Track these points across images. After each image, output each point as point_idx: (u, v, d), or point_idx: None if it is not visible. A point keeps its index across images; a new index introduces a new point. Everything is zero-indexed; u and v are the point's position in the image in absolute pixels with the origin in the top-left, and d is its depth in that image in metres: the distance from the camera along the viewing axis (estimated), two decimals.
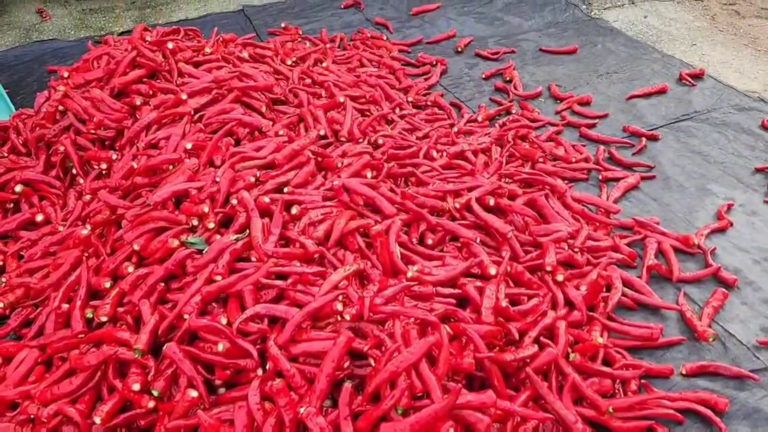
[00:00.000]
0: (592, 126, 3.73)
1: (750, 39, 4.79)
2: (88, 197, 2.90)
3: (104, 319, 2.26)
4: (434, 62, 4.46)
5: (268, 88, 3.33)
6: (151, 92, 3.19)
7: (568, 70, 4.39)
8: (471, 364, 2.00)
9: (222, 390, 2.09)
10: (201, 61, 3.42)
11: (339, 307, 2.06)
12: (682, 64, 4.40)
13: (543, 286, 2.49)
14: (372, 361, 1.98)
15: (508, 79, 4.24)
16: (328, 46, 4.40)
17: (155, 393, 2.01)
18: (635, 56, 4.54)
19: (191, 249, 2.34)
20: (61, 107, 3.23)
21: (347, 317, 2.04)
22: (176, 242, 2.38)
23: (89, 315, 2.37)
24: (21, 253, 2.92)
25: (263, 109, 3.22)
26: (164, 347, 2.04)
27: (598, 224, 2.93)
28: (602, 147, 3.51)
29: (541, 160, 3.28)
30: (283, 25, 4.97)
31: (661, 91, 4.07)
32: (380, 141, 3.10)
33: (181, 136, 2.86)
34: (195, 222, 2.45)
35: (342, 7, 5.42)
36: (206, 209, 2.39)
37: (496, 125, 3.68)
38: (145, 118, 3.04)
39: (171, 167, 2.76)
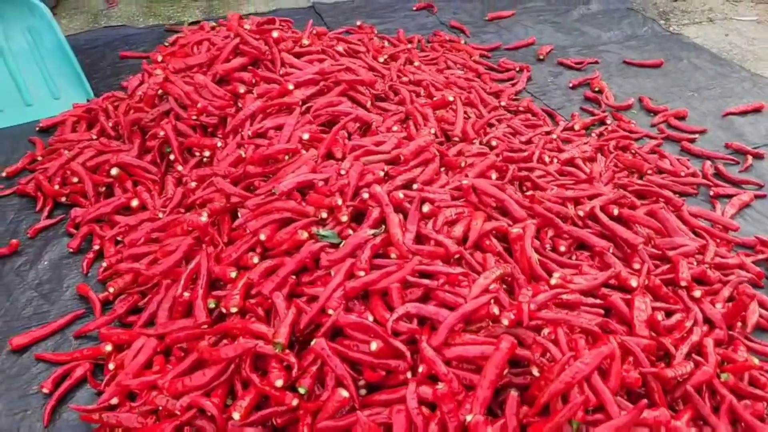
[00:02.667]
0: (692, 141, 3.63)
1: None
2: (193, 184, 2.80)
3: (234, 310, 2.15)
4: (518, 68, 4.37)
5: (372, 84, 3.24)
6: (254, 81, 3.10)
7: (657, 83, 4.29)
8: (637, 380, 1.89)
9: (362, 392, 1.98)
10: (302, 52, 3.33)
11: (495, 311, 1.95)
12: None
13: (679, 301, 2.37)
14: (535, 370, 1.87)
15: (597, 89, 4.14)
16: (408, 46, 4.31)
17: (302, 391, 1.90)
18: (723, 74, 4.44)
19: (323, 242, 2.23)
20: (160, 91, 3.14)
21: (505, 322, 1.93)
22: (305, 234, 2.27)
23: (212, 305, 2.27)
24: (117, 239, 2.83)
25: (368, 104, 3.13)
26: (312, 343, 1.93)
27: (718, 241, 2.82)
28: (708, 162, 3.40)
29: (649, 172, 3.18)
30: (358, 23, 4.88)
31: (757, 110, 3.97)
32: (494, 143, 3.00)
33: (294, 126, 2.76)
34: (324, 214, 2.34)
35: (415, 8, 5.35)
36: (339, 201, 2.29)
37: (593, 134, 3.59)
38: (250, 107, 2.94)
39: (287, 157, 2.66)
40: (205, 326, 2.20)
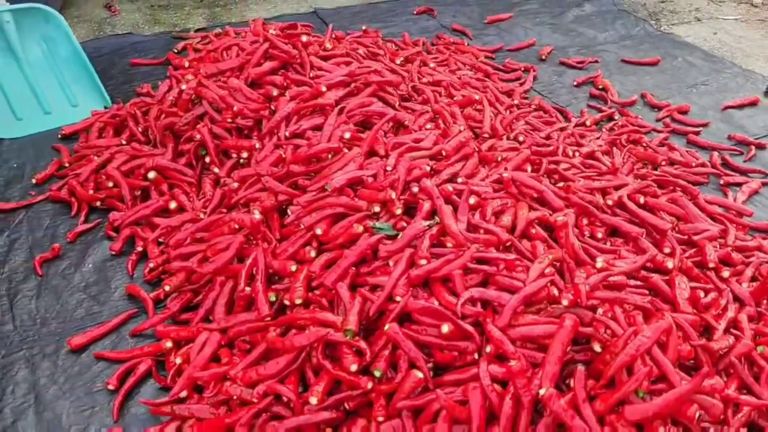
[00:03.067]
0: (696, 134, 3.81)
1: None
2: (234, 185, 2.88)
3: (298, 301, 2.24)
4: (523, 68, 4.53)
5: (398, 84, 3.35)
6: (285, 84, 3.19)
7: (656, 80, 4.49)
8: (690, 351, 2.03)
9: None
10: (328, 56, 3.44)
11: (555, 292, 2.08)
12: (764, 79, 4.52)
13: (710, 281, 2.53)
14: (597, 346, 1.99)
15: (600, 87, 4.32)
16: (417, 49, 4.44)
17: (377, 374, 2.00)
18: (717, 70, 4.66)
19: (379, 234, 2.34)
20: (193, 96, 3.21)
21: (565, 302, 2.06)
22: (360, 228, 2.37)
23: (272, 298, 2.35)
24: (160, 240, 2.89)
25: (396, 104, 3.24)
26: (386, 328, 2.03)
27: (735, 225, 2.99)
28: (715, 153, 3.59)
29: (663, 163, 3.34)
30: (363, 28, 4.99)
31: (753, 103, 4.18)
32: (521, 138, 3.14)
33: (333, 126, 2.86)
34: (376, 208, 2.44)
35: (415, 12, 5.48)
36: (393, 195, 2.39)
37: (604, 130, 3.75)
38: (285, 109, 3.03)
39: (329, 156, 2.75)
40: (268, 318, 2.29)
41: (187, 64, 3.51)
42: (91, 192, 3.15)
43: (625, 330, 1.97)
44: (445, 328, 2.00)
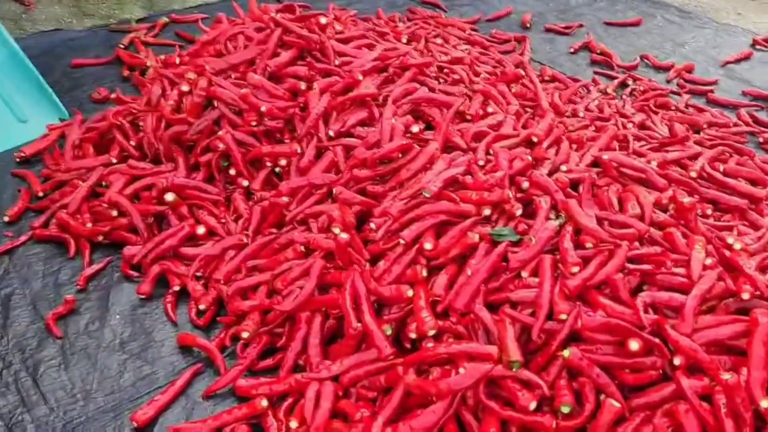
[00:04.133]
0: (711, 92, 3.74)
1: None
2: (284, 199, 2.44)
3: (431, 332, 1.88)
4: (511, 38, 4.28)
5: (429, 66, 3.00)
6: (309, 75, 2.76)
7: (647, 41, 4.40)
8: None
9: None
10: (347, 38, 3.01)
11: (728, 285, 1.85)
12: (744, 31, 4.55)
13: None
14: None
15: (598, 51, 4.16)
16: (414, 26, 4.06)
17: (566, 410, 1.70)
18: (698, 26, 4.64)
19: (503, 241, 2.01)
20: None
21: (745, 296, 1.84)
22: (476, 236, 2.04)
23: (387, 331, 1.98)
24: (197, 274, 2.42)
25: (436, 88, 2.89)
26: (566, 354, 1.72)
27: None
28: (743, 110, 3.52)
29: (705, 126, 3.22)
30: (330, 6, 4.54)
31: (747, 57, 4.17)
32: (581, 114, 2.89)
33: (390, 119, 2.48)
34: (487, 211, 2.11)
35: None
36: (509, 194, 2.07)
37: (624, 96, 3.59)
38: (319, 105, 2.61)
39: (399, 155, 2.38)
40: (392, 357, 1.92)
41: (178, 61, 2.96)
42: (89, 225, 2.59)
43: None
44: (635, 344, 1.72)
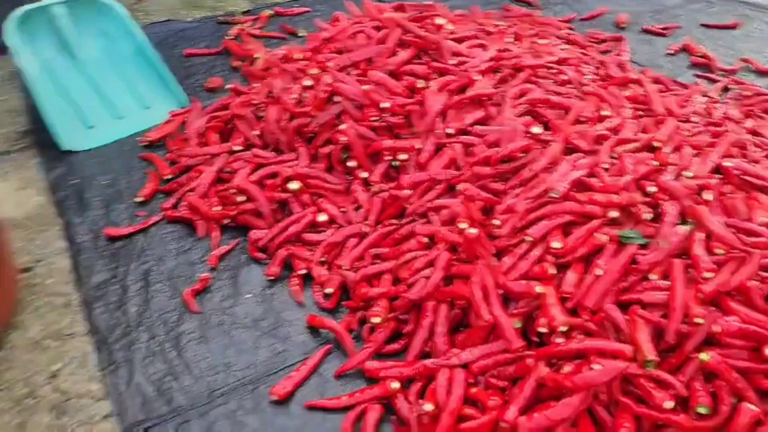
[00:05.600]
0: None
1: None
2: (406, 192, 2.55)
3: (563, 329, 1.96)
4: (607, 39, 4.28)
5: (542, 68, 3.05)
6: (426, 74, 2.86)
7: (749, 46, 4.32)
8: None
9: None
10: (460, 38, 3.10)
11: None
12: None
13: None
14: None
15: (699, 54, 4.12)
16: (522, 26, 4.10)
17: (703, 411, 1.76)
18: None
19: (632, 244, 2.08)
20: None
21: None
22: (604, 237, 2.11)
23: (517, 324, 2.07)
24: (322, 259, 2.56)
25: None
26: (706, 357, 1.78)
27: None
28: None
29: None
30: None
31: None
32: (693, 119, 2.91)
33: (511, 119, 2.56)
34: (614, 213, 2.17)
35: None
36: (639, 198, 2.13)
37: (727, 100, 3.56)
38: (438, 102, 2.71)
39: (521, 155, 2.46)
40: (521, 349, 2.01)
41: (300, 56, 3.10)
42: (217, 209, 2.76)
43: None
44: None
